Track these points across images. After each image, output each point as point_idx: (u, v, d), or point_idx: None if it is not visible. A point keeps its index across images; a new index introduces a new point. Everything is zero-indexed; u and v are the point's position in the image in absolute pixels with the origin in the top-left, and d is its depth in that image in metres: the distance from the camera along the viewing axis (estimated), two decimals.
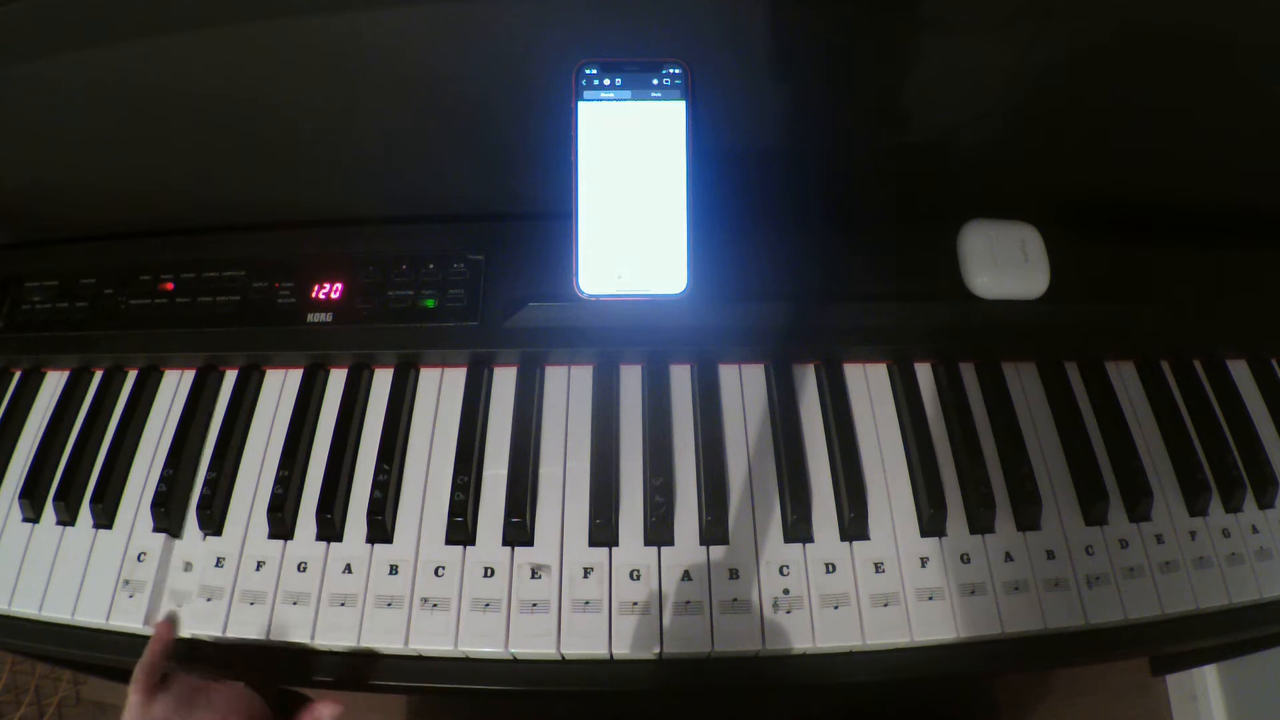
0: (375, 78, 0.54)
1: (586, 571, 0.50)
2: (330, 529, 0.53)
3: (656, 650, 0.48)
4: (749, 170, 0.59)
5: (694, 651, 0.48)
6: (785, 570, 0.50)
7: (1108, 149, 0.60)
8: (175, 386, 0.60)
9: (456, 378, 0.58)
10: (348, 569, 0.51)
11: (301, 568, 0.51)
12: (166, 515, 0.54)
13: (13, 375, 0.62)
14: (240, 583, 0.51)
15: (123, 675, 0.49)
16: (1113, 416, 0.57)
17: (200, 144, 0.59)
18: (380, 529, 0.52)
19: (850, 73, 0.55)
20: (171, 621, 0.51)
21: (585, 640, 0.48)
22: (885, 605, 0.49)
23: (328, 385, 0.60)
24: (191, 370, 0.61)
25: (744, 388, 0.58)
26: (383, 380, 0.59)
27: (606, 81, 0.51)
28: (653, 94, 0.51)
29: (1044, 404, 0.58)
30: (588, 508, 0.52)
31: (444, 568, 0.51)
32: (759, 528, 0.52)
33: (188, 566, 0.53)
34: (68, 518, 0.55)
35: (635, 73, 0.51)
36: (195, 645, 0.51)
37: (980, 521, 0.52)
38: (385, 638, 0.49)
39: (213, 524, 0.54)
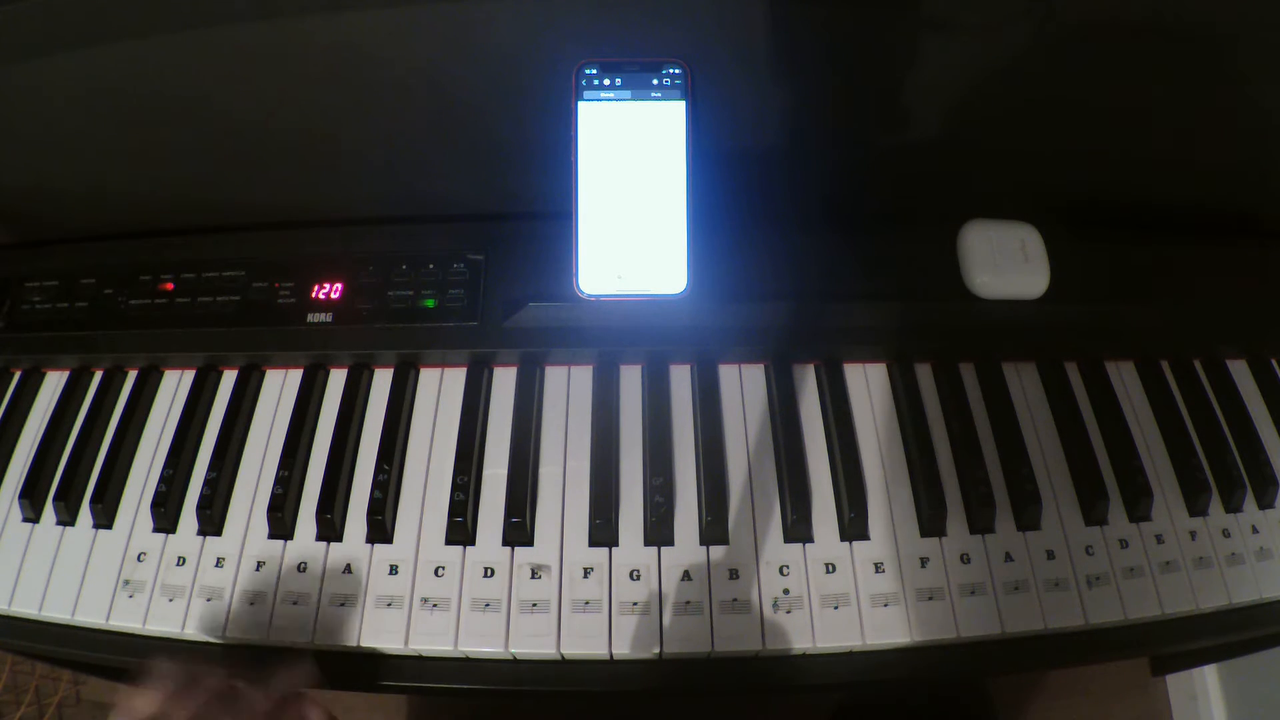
0: (376, 77, 0.54)
1: (586, 571, 0.50)
2: (330, 529, 0.53)
3: (656, 650, 0.48)
4: (749, 170, 0.59)
5: (694, 651, 0.48)
6: (785, 570, 0.50)
7: (1108, 149, 0.60)
8: (175, 386, 0.60)
9: (456, 378, 0.58)
10: (348, 569, 0.51)
11: (301, 568, 0.51)
12: (166, 515, 0.54)
13: (13, 375, 0.62)
14: (240, 583, 0.51)
15: (123, 675, 0.49)
16: (1113, 416, 0.57)
17: (200, 144, 0.59)
18: (380, 529, 0.52)
19: (850, 72, 0.55)
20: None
21: (585, 640, 0.48)
22: (885, 605, 0.49)
23: (328, 385, 0.60)
24: (191, 370, 0.61)
25: (744, 388, 0.58)
26: (383, 380, 0.59)
27: (606, 81, 0.51)
28: (653, 94, 0.51)
29: (1044, 404, 0.58)
30: (588, 508, 0.52)
31: (444, 568, 0.51)
32: (759, 528, 0.52)
33: (187, 566, 0.52)
34: (68, 518, 0.55)
35: (635, 73, 0.51)
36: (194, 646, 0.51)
37: (980, 521, 0.52)
38: (385, 638, 0.49)
39: (213, 524, 0.54)
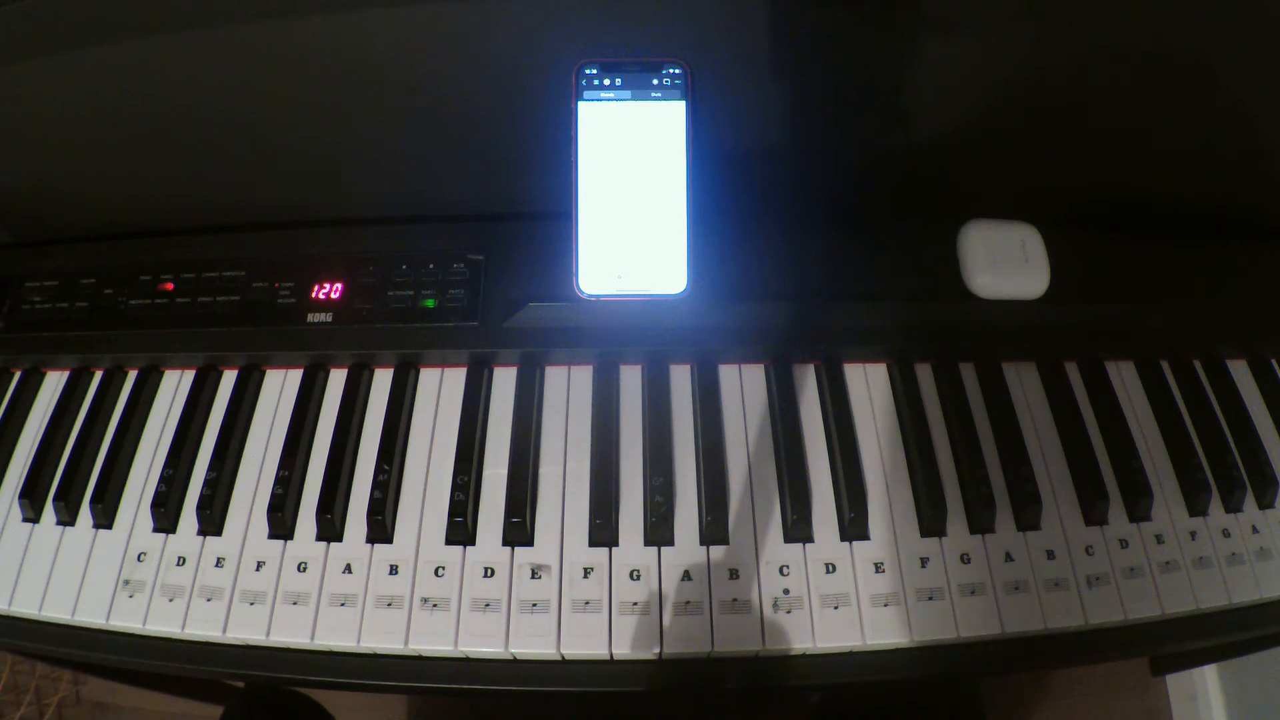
0: (375, 77, 0.54)
1: (586, 571, 0.50)
2: (330, 529, 0.53)
3: (657, 650, 0.48)
4: (749, 170, 0.59)
5: (694, 651, 0.48)
6: (785, 570, 0.50)
7: (1108, 149, 0.60)
8: (175, 386, 0.60)
9: (456, 378, 0.58)
10: (348, 569, 0.51)
11: (301, 568, 0.51)
12: (166, 515, 0.54)
13: (13, 375, 0.62)
14: (240, 583, 0.51)
15: (123, 675, 0.49)
16: (1113, 416, 0.57)
17: (200, 144, 0.59)
18: (380, 529, 0.52)
19: (850, 72, 0.55)
20: None
21: (585, 640, 0.48)
22: (885, 605, 0.49)
23: (328, 385, 0.60)
24: (191, 370, 0.61)
25: (744, 388, 0.58)
26: (383, 380, 0.59)
27: (606, 81, 0.51)
28: (653, 94, 0.51)
29: (1044, 404, 0.58)
30: (588, 508, 0.52)
31: (444, 568, 0.51)
32: (759, 528, 0.52)
33: (187, 566, 0.52)
34: (68, 518, 0.55)
35: (635, 73, 0.51)
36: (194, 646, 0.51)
37: (980, 521, 0.52)
38: (385, 638, 0.49)
39: (213, 524, 0.54)
